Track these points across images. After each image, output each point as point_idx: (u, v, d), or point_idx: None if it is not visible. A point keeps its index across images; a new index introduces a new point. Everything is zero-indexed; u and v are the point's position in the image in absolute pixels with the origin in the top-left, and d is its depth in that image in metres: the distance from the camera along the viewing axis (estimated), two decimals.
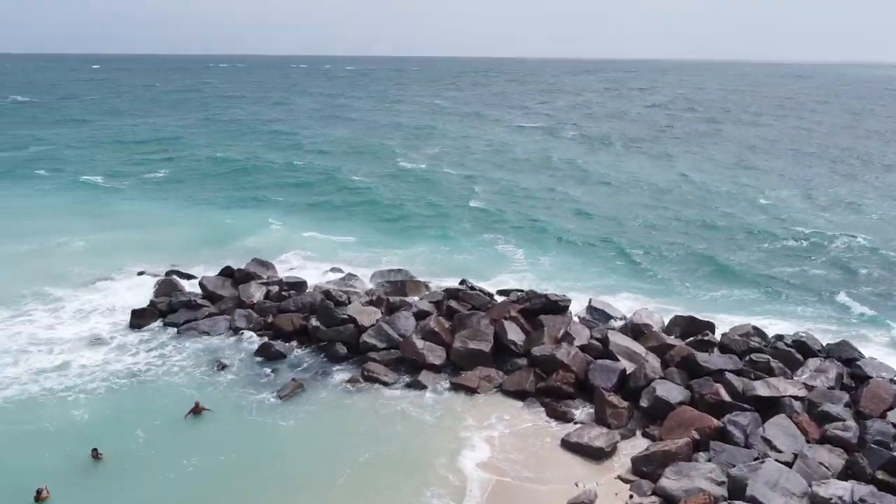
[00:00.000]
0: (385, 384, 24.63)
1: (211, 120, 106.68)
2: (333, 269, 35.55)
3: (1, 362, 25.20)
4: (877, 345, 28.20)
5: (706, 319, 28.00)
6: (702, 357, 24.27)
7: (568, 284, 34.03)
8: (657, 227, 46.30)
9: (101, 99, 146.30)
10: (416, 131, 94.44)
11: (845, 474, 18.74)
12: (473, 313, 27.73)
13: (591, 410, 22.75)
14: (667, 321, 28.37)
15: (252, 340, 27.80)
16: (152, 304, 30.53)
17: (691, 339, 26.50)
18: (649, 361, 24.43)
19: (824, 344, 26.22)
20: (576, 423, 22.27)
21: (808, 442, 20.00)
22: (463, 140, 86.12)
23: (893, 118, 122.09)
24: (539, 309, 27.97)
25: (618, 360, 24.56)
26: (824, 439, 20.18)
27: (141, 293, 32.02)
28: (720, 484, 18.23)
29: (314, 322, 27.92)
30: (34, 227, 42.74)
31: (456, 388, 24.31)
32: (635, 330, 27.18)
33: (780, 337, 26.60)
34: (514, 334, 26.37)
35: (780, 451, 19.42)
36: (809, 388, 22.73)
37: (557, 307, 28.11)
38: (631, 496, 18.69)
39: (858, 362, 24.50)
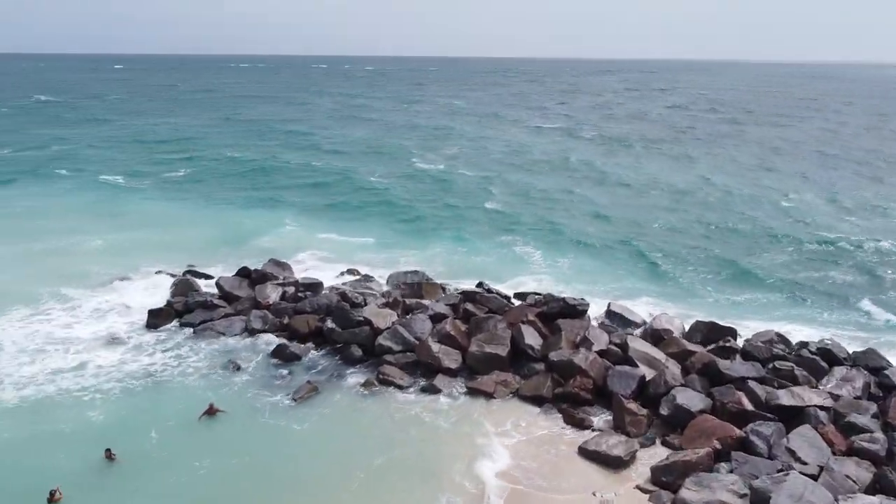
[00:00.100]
0: (400, 388, 24.38)
1: (230, 120, 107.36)
2: (350, 271, 35.42)
3: (18, 361, 25.31)
4: None
5: (728, 325, 27.36)
6: (723, 364, 23.75)
7: (586, 288, 33.57)
8: (678, 230, 45.65)
9: (123, 98, 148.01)
10: (434, 132, 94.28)
11: (873, 488, 18.16)
12: (490, 317, 27.38)
13: (610, 417, 22.32)
14: (687, 326, 27.80)
15: (268, 341, 27.67)
16: (169, 304, 30.55)
17: (713, 345, 25.93)
18: (669, 368, 23.94)
19: (850, 352, 25.48)
20: (594, 430, 21.84)
21: (834, 454, 19.41)
22: (481, 141, 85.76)
23: None
24: (557, 313, 27.56)
25: (637, 366, 24.09)
26: (851, 451, 19.58)
27: (158, 293, 32.12)
28: (742, 496, 17.71)
29: (330, 324, 27.75)
30: (54, 226, 43.09)
31: (472, 392, 23.98)
32: (655, 335, 26.67)
33: (804, 344, 25.96)
34: (532, 338, 26.00)
35: (804, 464, 18.86)
36: (835, 397, 22.10)
37: (576, 311, 27.69)
38: None
39: (886, 371, 23.78)
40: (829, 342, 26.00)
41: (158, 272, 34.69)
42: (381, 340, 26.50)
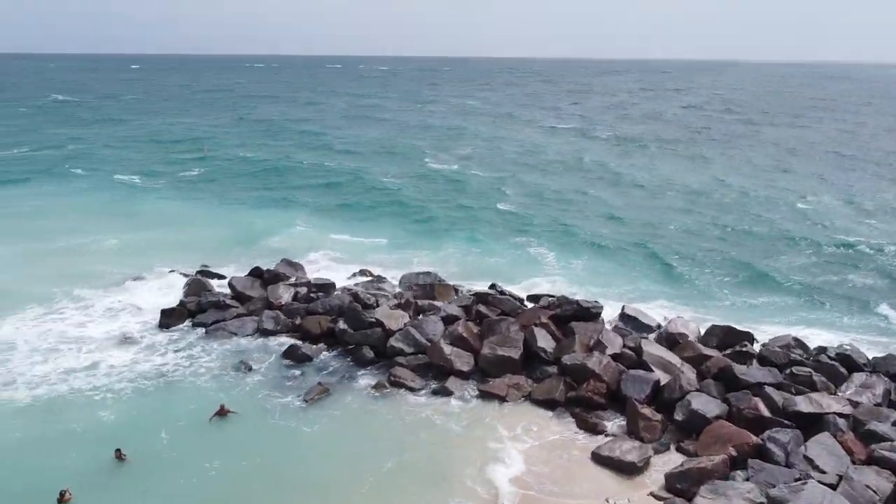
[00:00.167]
0: (411, 390, 24.20)
1: (244, 119, 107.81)
2: (362, 271, 35.32)
3: (31, 360, 25.41)
4: None
5: (744, 329, 26.95)
6: (740, 369, 23.36)
7: (600, 290, 33.27)
8: (693, 232, 45.15)
9: (139, 98, 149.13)
10: (448, 132, 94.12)
11: (894, 499, 17.72)
12: (503, 319, 27.14)
13: (623, 422, 22.01)
14: (703, 330, 27.40)
15: (279, 342, 27.62)
16: (182, 303, 30.57)
17: (729, 349, 25.50)
18: (684, 373, 23.58)
19: (870, 357, 25.04)
20: (607, 435, 21.55)
21: (853, 463, 18.98)
22: (494, 141, 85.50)
23: None
24: (570, 315, 27.29)
25: (651, 370, 23.75)
26: (871, 460, 19.11)
27: (171, 293, 32.20)
28: None
29: (342, 325, 27.64)
30: (68, 225, 43.40)
31: (483, 395, 23.76)
32: (670, 339, 26.32)
33: (822, 349, 25.53)
34: (545, 341, 25.74)
35: (823, 472, 18.46)
36: (854, 404, 21.64)
37: (589, 314, 27.40)
38: None
39: None
40: (848, 347, 25.57)
41: (172, 272, 34.76)
42: (393, 342, 26.35)
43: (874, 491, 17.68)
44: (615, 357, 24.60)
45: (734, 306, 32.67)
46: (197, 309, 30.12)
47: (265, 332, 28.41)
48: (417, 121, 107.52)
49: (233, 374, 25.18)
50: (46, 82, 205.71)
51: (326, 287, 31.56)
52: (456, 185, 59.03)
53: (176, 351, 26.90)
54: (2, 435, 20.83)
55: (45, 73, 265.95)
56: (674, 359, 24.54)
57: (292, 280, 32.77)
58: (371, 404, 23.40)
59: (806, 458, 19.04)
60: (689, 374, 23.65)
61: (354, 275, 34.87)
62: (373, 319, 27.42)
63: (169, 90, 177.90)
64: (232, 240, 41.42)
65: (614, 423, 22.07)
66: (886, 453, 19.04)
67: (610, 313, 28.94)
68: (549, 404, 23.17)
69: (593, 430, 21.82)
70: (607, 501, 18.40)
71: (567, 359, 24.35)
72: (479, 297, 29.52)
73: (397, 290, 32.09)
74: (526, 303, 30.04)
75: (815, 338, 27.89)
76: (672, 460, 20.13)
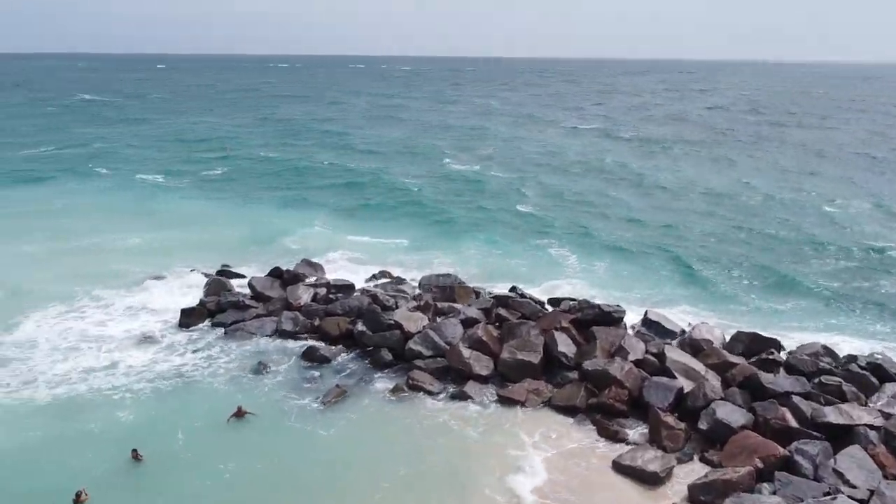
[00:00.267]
0: (430, 393, 23.91)
1: (267, 119, 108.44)
2: (381, 272, 35.11)
3: (51, 359, 25.54)
4: None
5: (771, 336, 26.27)
6: (766, 378, 22.74)
7: (622, 294, 32.72)
8: (717, 236, 44.32)
9: (165, 98, 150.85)
10: (469, 132, 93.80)
11: None
12: (523, 322, 26.77)
13: (645, 431, 21.51)
14: (728, 337, 26.80)
15: (298, 343, 27.51)
16: (202, 303, 30.60)
17: (755, 357, 24.86)
18: (709, 380, 23.02)
19: None
20: (628, 443, 21.05)
21: (885, 477, 18.30)
22: (515, 142, 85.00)
23: None
24: (591, 320, 26.83)
25: (675, 377, 23.22)
26: None
27: (191, 292, 32.25)
28: None
29: (360, 326, 27.44)
30: (91, 224, 43.75)
31: (503, 400, 23.39)
32: (694, 345, 25.73)
33: (852, 358, 24.78)
34: (565, 346, 25.30)
35: (853, 487, 17.84)
36: (886, 416, 20.92)
37: (611, 318, 26.93)
38: None
39: None
40: (879, 356, 24.80)
41: (192, 271, 34.85)
42: (412, 345, 26.10)
43: None
44: (637, 363, 24.09)
45: (760, 312, 31.91)
46: (216, 309, 30.12)
47: (284, 333, 28.31)
48: (439, 121, 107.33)
49: (251, 375, 25.08)
50: (74, 82, 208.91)
51: (346, 288, 31.42)
52: (476, 186, 58.66)
53: (195, 351, 26.89)
54: (22, 434, 20.90)
55: (73, 73, 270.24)
56: (698, 366, 23.97)
57: (312, 280, 32.67)
58: (388, 408, 23.15)
59: (835, 471, 18.41)
60: (713, 381, 23.09)
61: (374, 276, 34.67)
62: (391, 321, 27.20)
63: (194, 90, 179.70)
64: (252, 239, 41.49)
65: (636, 432, 21.57)
66: None
67: (632, 318, 28.38)
68: (569, 411, 22.74)
69: (614, 438, 21.35)
70: None
71: (588, 364, 23.91)
72: (499, 300, 29.17)
73: (416, 291, 31.85)
74: (546, 306, 29.61)
75: (845, 345, 27.12)
76: (695, 471, 19.60)
